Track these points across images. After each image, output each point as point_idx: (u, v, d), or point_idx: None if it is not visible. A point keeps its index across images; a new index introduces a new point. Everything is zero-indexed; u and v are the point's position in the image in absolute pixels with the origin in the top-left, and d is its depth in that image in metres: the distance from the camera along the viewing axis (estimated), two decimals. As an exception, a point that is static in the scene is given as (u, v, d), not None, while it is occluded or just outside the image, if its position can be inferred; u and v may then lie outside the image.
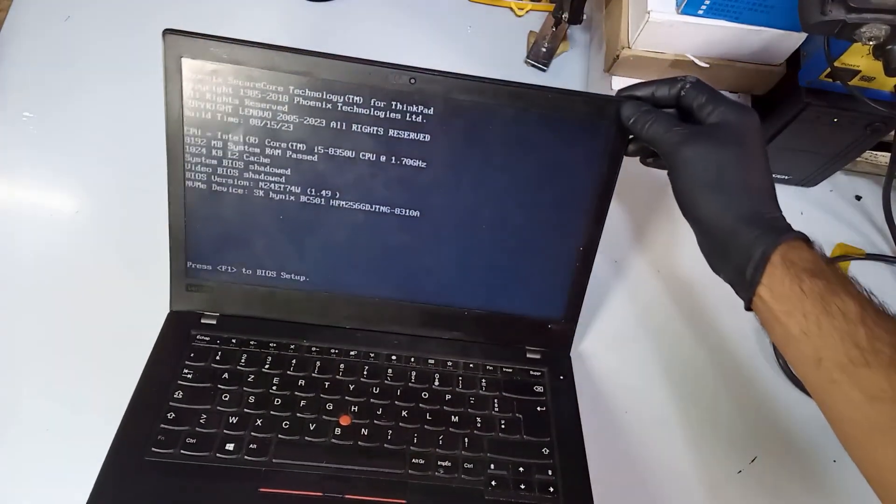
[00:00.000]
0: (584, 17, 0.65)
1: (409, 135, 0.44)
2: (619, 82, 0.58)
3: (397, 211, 0.47)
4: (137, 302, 0.50)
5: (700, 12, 0.52)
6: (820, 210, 0.65)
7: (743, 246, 0.38)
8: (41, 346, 0.49)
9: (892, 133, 0.58)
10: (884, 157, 0.64)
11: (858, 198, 0.67)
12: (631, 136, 0.45)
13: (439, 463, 0.44)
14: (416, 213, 0.47)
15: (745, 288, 0.38)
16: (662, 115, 0.42)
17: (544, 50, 0.68)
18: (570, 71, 0.69)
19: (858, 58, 0.51)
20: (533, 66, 0.68)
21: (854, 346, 0.34)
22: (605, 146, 0.45)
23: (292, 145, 0.44)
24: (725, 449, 0.52)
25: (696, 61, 0.55)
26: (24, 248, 0.52)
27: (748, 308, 0.39)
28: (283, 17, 0.67)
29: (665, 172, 0.43)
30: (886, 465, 0.33)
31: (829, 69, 0.51)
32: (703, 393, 0.55)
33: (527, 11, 0.71)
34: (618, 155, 0.46)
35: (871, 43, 0.43)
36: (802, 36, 0.53)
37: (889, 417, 0.33)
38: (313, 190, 0.46)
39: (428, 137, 0.45)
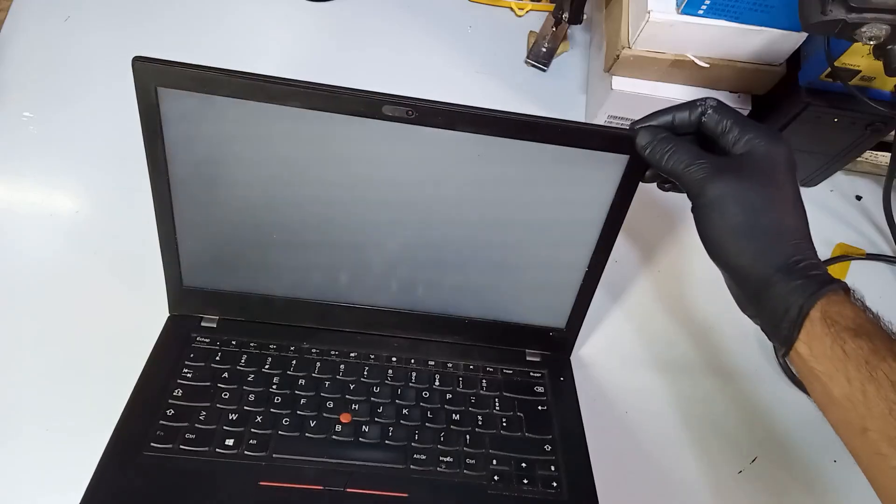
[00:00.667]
0: (585, 17, 0.65)
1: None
2: (619, 82, 0.58)
3: (403, 224, 0.45)
4: (137, 303, 0.50)
5: (700, 12, 0.52)
6: (820, 210, 0.65)
7: (778, 298, 0.35)
8: (40, 345, 0.48)
9: (892, 133, 0.58)
10: (884, 157, 0.64)
11: (858, 198, 0.67)
12: None
13: (441, 458, 0.44)
14: (423, 229, 0.46)
15: (781, 341, 0.36)
16: (682, 143, 0.38)
17: (544, 50, 0.68)
18: (571, 71, 0.69)
19: (858, 58, 0.51)
20: (533, 65, 0.68)
21: None
22: (617, 179, 0.43)
23: (285, 166, 0.42)
24: (725, 449, 0.52)
25: (697, 61, 0.55)
26: (24, 248, 0.52)
27: (784, 357, 0.36)
28: (282, 17, 0.67)
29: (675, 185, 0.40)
30: None
31: (829, 69, 0.51)
32: (703, 393, 0.54)
33: (527, 11, 0.71)
34: (631, 187, 0.43)
35: (871, 43, 0.44)
36: (802, 36, 0.53)
37: None
38: (310, 203, 0.44)
39: (437, 161, 0.42)
